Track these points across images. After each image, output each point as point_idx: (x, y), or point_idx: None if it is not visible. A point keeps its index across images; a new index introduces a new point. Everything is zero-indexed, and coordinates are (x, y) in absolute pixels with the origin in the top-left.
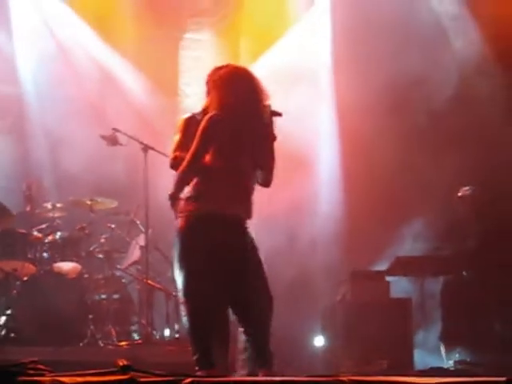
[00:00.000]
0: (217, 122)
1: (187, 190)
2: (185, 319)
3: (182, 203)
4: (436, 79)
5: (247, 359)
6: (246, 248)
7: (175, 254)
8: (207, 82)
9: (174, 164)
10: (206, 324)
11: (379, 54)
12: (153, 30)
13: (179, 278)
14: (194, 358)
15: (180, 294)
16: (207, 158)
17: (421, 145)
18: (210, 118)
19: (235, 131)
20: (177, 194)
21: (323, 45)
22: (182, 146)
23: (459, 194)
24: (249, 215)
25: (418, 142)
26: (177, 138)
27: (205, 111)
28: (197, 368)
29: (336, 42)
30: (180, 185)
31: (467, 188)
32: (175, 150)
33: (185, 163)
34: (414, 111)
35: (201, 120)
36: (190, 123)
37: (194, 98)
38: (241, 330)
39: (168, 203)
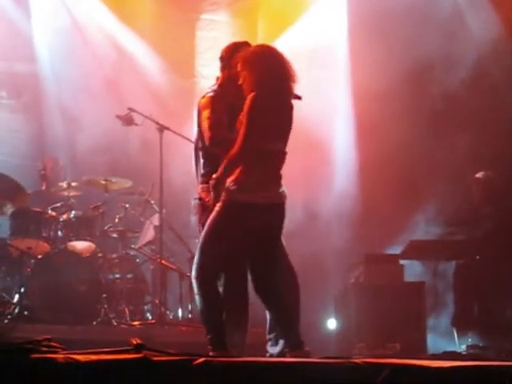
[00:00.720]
0: (260, 101)
1: (232, 177)
2: (198, 298)
3: (228, 190)
4: (452, 63)
5: (274, 340)
6: (281, 230)
7: (212, 235)
8: (223, 58)
9: (216, 142)
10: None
11: (395, 37)
12: (169, 10)
13: (206, 256)
14: (208, 337)
15: (196, 270)
16: (253, 139)
17: (436, 128)
18: (253, 97)
19: (275, 111)
20: (225, 177)
21: (339, 28)
22: (218, 123)
23: (474, 178)
24: (285, 196)
25: (433, 125)
26: (207, 115)
27: (222, 86)
28: (210, 348)
29: (352, 26)
30: (231, 168)
31: (482, 172)
32: (213, 128)
33: (236, 147)
34: (429, 95)
35: (224, 96)
36: (216, 100)
37: (211, 79)
38: (269, 311)
39: (180, 183)
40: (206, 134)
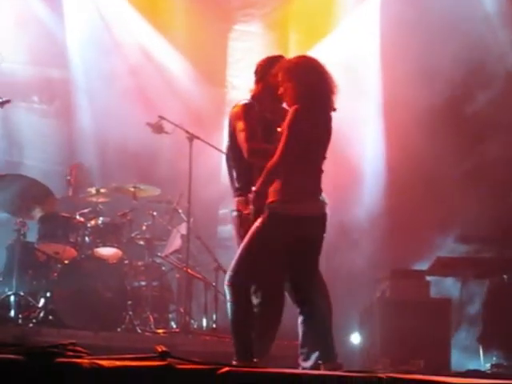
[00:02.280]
0: (302, 114)
1: (275, 187)
2: (230, 305)
3: (270, 199)
4: (483, 75)
5: (306, 355)
6: (322, 241)
7: (253, 246)
8: (257, 72)
9: (255, 153)
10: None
11: (427, 50)
12: (202, 20)
13: (244, 264)
14: (235, 347)
15: (230, 276)
16: (294, 151)
17: (470, 143)
18: (296, 110)
19: (317, 123)
20: (264, 189)
21: (372, 40)
22: (254, 134)
23: None
24: (327, 204)
25: (466, 140)
26: (242, 126)
27: (255, 99)
28: (236, 357)
29: (384, 38)
30: (270, 179)
31: None
32: (250, 140)
33: (276, 158)
34: (461, 107)
35: (257, 107)
36: (249, 110)
37: (242, 89)
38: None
39: (209, 193)
40: (244, 146)
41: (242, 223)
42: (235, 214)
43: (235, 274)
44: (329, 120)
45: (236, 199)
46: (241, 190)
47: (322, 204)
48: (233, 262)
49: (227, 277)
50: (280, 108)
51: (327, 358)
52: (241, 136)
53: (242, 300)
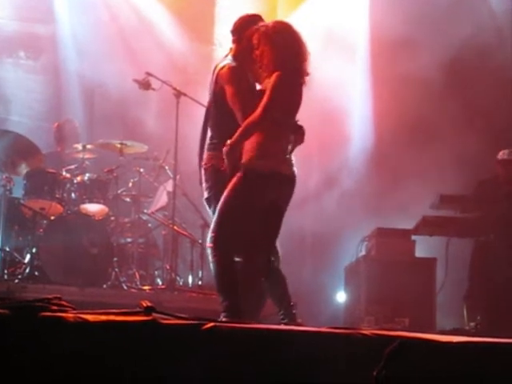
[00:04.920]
0: (285, 80)
1: (251, 146)
2: (213, 265)
3: (246, 157)
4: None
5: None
6: (289, 202)
7: (231, 203)
8: (235, 31)
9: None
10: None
11: (417, 19)
12: None
13: (222, 222)
14: (223, 304)
15: (212, 237)
16: (273, 112)
17: (457, 107)
18: (280, 75)
19: (294, 88)
20: (239, 144)
21: (361, 6)
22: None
23: (498, 158)
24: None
25: (455, 97)
26: (233, 91)
27: (236, 59)
28: (224, 314)
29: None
30: (246, 136)
31: (507, 151)
32: (245, 110)
33: (256, 116)
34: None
35: (237, 69)
36: (240, 74)
37: (229, 47)
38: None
39: (196, 150)
40: (239, 115)
41: (217, 178)
42: (207, 166)
43: (216, 234)
44: (302, 85)
45: (209, 153)
46: (214, 145)
47: (292, 163)
48: (213, 222)
49: (209, 238)
50: (256, 69)
51: (289, 318)
52: (234, 101)
53: (225, 260)
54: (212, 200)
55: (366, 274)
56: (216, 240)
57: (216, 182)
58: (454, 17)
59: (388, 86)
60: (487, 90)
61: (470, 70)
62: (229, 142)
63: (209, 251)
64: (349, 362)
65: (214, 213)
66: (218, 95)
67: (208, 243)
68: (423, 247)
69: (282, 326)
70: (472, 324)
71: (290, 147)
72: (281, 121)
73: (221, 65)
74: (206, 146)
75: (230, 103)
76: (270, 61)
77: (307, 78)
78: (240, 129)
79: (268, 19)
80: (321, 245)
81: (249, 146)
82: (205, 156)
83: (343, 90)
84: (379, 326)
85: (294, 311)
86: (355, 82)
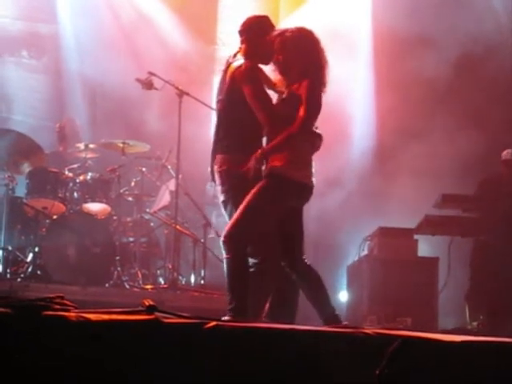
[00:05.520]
0: (315, 88)
1: (283, 152)
2: (226, 262)
3: (278, 163)
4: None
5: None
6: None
7: (254, 206)
8: (243, 31)
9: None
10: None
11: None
12: None
13: (241, 221)
14: (230, 305)
15: (228, 233)
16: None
17: (461, 105)
18: (311, 84)
19: (319, 97)
20: (273, 154)
21: (363, 4)
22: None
23: (502, 157)
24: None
25: (457, 96)
26: (254, 92)
27: (247, 58)
28: (231, 315)
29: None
30: (284, 146)
31: (509, 150)
32: (270, 114)
33: (296, 128)
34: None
35: (255, 68)
36: (259, 74)
37: (232, 46)
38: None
39: (198, 149)
40: (262, 114)
41: (233, 182)
42: (222, 169)
43: (233, 230)
44: (322, 94)
45: (222, 156)
46: (227, 148)
47: (313, 175)
48: (233, 219)
49: (225, 232)
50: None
51: (332, 320)
52: (256, 104)
53: (238, 256)
54: (228, 203)
55: (369, 273)
56: (232, 237)
57: (231, 185)
58: (459, 12)
59: (391, 85)
60: (492, 88)
61: (473, 68)
62: (263, 149)
63: (222, 246)
64: (351, 360)
65: (229, 216)
66: (233, 95)
67: (223, 237)
68: (425, 247)
69: (284, 325)
70: (474, 323)
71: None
72: (312, 131)
73: (235, 64)
74: (218, 148)
75: (250, 102)
76: (296, 66)
77: (326, 88)
78: (279, 138)
79: (271, 18)
80: (323, 244)
81: (279, 154)
82: (218, 158)
83: (346, 88)
84: (381, 326)
85: (336, 313)
86: (358, 81)
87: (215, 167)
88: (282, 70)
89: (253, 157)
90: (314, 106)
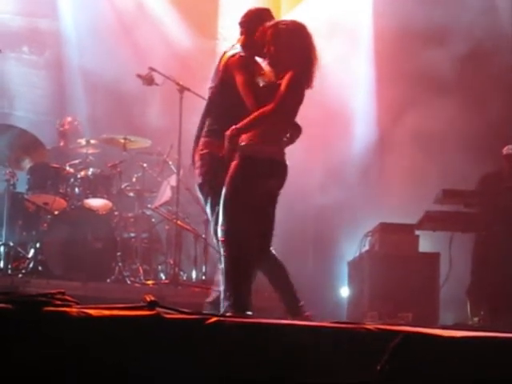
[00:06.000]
0: (297, 80)
1: (251, 132)
2: (224, 260)
3: (245, 141)
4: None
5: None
6: (280, 191)
7: (233, 194)
8: (243, 23)
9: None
10: (250, 266)
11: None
12: None
13: (229, 213)
14: (229, 302)
15: (224, 231)
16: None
17: (462, 95)
18: (294, 74)
19: (301, 90)
20: (245, 132)
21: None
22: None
23: (504, 152)
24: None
25: (459, 93)
26: (245, 81)
27: (244, 49)
28: (230, 310)
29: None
30: (254, 127)
31: (511, 145)
32: (257, 102)
33: (269, 110)
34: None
35: (248, 58)
36: (250, 62)
37: (233, 41)
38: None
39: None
40: (250, 102)
41: (213, 165)
42: (204, 152)
43: (226, 227)
44: (307, 88)
45: (206, 139)
46: (214, 132)
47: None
48: (220, 215)
49: (219, 232)
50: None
51: (294, 312)
52: (246, 91)
53: (237, 252)
54: (204, 186)
55: (370, 269)
56: (226, 233)
57: (211, 168)
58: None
59: (393, 79)
60: (497, 83)
61: (476, 62)
62: (235, 126)
63: (220, 245)
64: (352, 356)
65: (205, 200)
66: (225, 83)
67: (220, 237)
68: (427, 242)
69: (286, 321)
70: (475, 319)
71: (285, 140)
72: (285, 115)
73: (229, 53)
74: (203, 133)
75: (240, 90)
76: (285, 59)
77: (314, 83)
78: (250, 117)
79: (273, 12)
80: (324, 240)
81: (250, 131)
82: (201, 142)
83: (347, 84)
84: (383, 321)
85: (300, 303)
86: (359, 75)
87: (197, 150)
88: (271, 61)
89: (225, 135)
90: (290, 94)
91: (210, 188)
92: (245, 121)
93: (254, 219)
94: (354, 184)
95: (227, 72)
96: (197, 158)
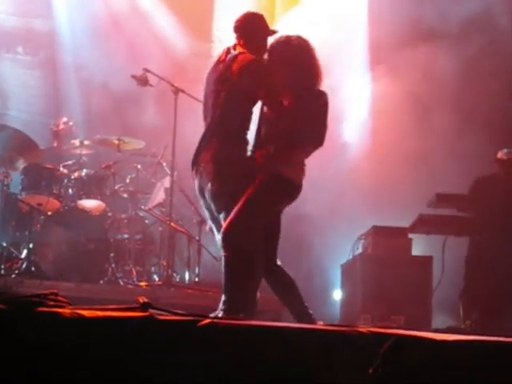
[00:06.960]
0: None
1: (281, 154)
2: (224, 259)
3: (277, 161)
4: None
5: None
6: None
7: (256, 203)
8: (238, 28)
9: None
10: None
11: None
12: None
13: (244, 217)
14: (225, 306)
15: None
16: None
17: (455, 102)
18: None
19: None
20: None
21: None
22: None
23: (497, 156)
24: None
25: (452, 99)
26: (267, 82)
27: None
28: (222, 312)
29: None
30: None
31: (506, 150)
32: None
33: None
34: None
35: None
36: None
37: (228, 43)
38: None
39: (193, 147)
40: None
41: (223, 173)
42: (210, 156)
43: (232, 228)
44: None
45: (213, 144)
46: (224, 137)
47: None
48: (231, 216)
49: (224, 230)
50: None
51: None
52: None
53: (239, 254)
54: (224, 195)
55: (363, 272)
56: (230, 233)
57: (233, 177)
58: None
59: (387, 84)
60: (493, 86)
61: (472, 67)
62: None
63: (222, 244)
64: (345, 359)
65: (206, 207)
66: (238, 86)
67: (221, 234)
68: (420, 246)
69: (278, 323)
70: (468, 322)
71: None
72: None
73: (245, 58)
74: (210, 135)
75: (265, 97)
76: (286, 77)
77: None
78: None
79: (266, 15)
80: (317, 243)
81: (280, 152)
82: (209, 145)
83: (342, 88)
84: (375, 324)
85: (310, 311)
86: (354, 81)
87: (204, 154)
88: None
89: (261, 154)
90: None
91: (230, 196)
92: (284, 148)
93: (264, 231)
94: (348, 187)
95: (243, 77)
96: (209, 162)
